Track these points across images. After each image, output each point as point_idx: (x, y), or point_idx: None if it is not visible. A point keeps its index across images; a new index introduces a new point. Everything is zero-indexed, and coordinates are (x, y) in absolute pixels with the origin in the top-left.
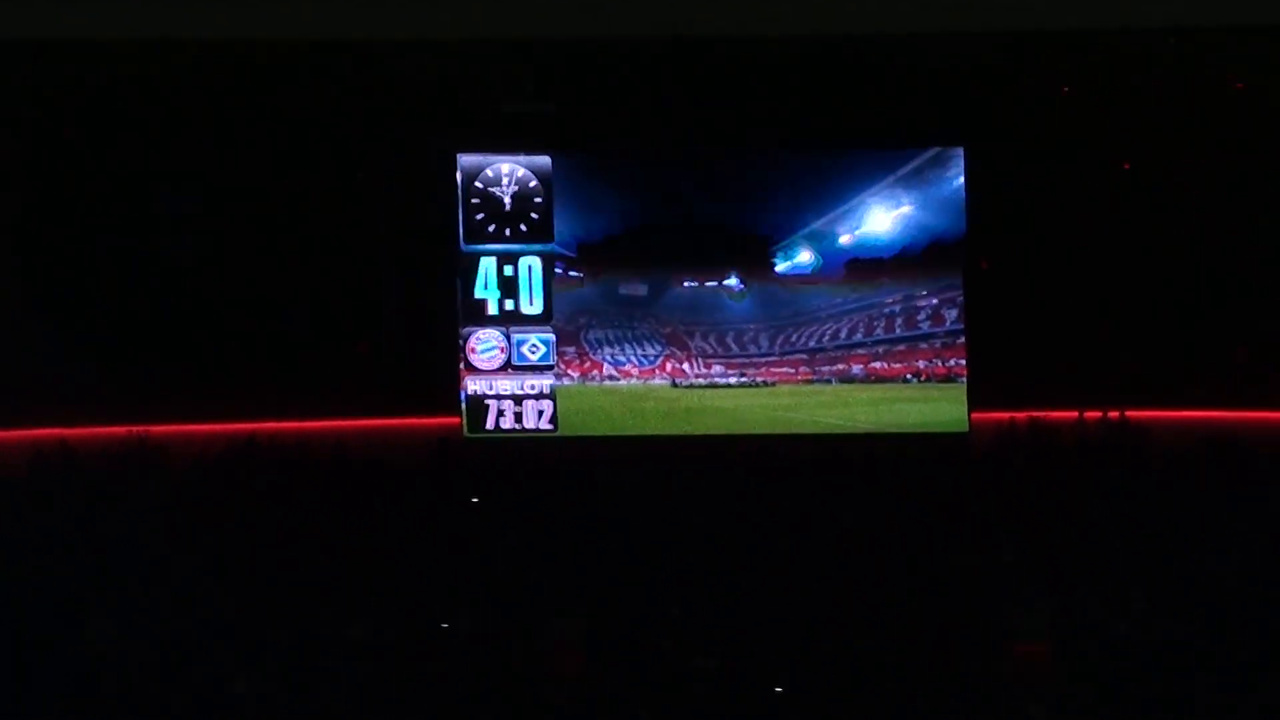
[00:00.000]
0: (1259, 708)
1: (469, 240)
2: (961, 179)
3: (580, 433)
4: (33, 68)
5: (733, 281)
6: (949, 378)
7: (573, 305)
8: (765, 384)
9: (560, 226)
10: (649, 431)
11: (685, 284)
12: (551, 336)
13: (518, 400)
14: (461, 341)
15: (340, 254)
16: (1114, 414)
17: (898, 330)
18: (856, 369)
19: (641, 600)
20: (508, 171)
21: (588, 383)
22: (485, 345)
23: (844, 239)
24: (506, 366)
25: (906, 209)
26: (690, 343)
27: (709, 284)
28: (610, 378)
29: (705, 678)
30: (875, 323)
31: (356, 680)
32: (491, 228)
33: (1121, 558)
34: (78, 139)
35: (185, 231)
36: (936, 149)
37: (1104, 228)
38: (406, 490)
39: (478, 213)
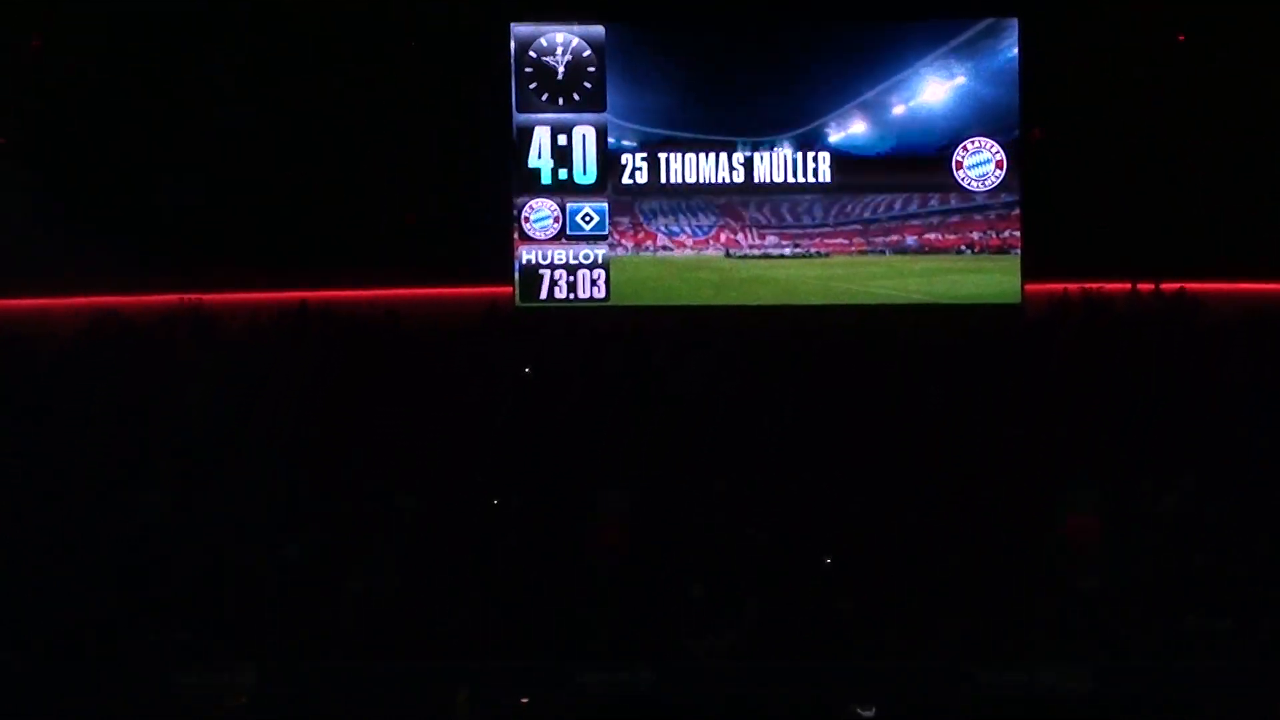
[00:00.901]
0: None
1: (522, 109)
2: (1015, 50)
3: (633, 302)
4: None
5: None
6: (1002, 249)
7: (627, 175)
8: (819, 255)
9: (613, 96)
10: (702, 302)
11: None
12: (605, 206)
13: (571, 270)
14: (516, 211)
15: (395, 123)
16: (1167, 286)
17: (952, 201)
18: (910, 240)
19: (691, 472)
20: (561, 41)
21: (641, 253)
22: (539, 215)
23: (897, 109)
24: (560, 236)
25: (961, 80)
26: (745, 213)
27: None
28: (664, 248)
29: (754, 549)
30: (929, 194)
31: (406, 549)
32: (545, 97)
33: (1172, 432)
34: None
35: (238, 101)
36: (990, 19)
37: (1158, 100)
38: (458, 359)
39: (531, 82)
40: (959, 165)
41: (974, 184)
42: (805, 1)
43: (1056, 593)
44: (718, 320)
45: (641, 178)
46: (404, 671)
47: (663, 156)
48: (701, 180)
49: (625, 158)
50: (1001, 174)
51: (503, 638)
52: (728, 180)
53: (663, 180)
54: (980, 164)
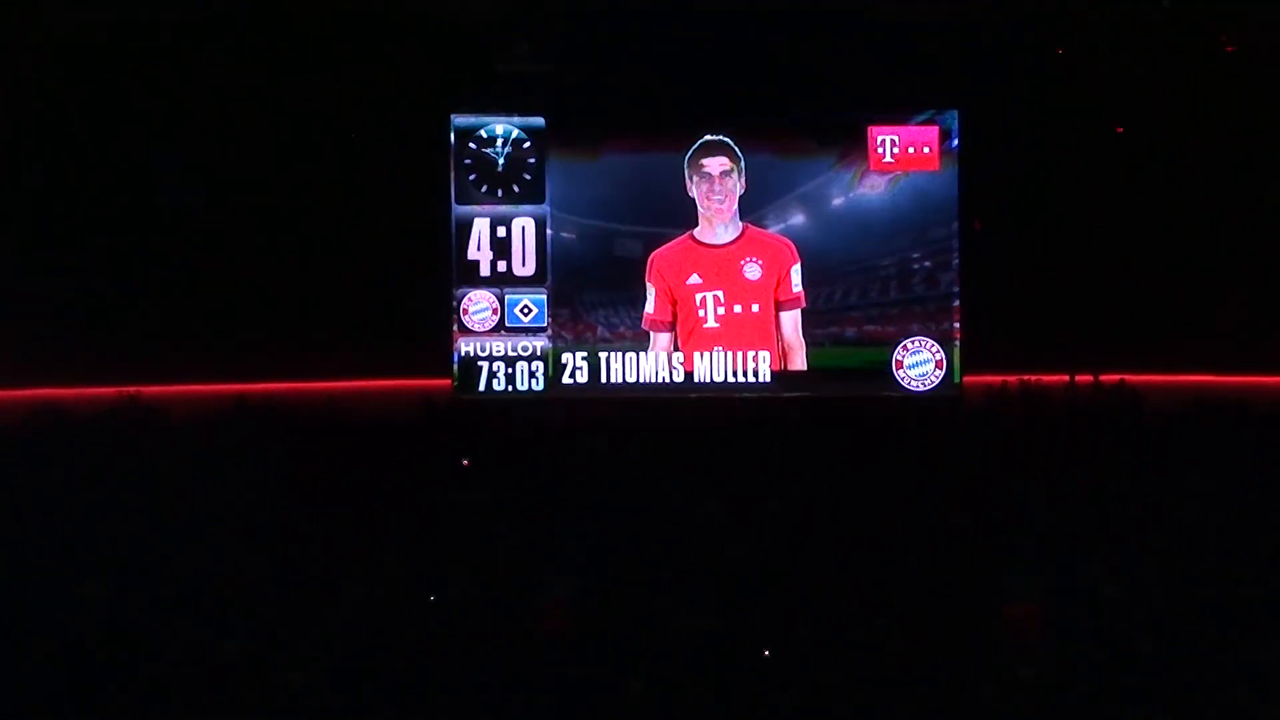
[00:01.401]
0: (1251, 671)
1: (461, 201)
2: (956, 142)
3: (572, 394)
4: (17, 21)
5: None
6: (942, 340)
7: (567, 266)
8: None
9: (553, 188)
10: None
11: None
12: (544, 298)
13: (509, 361)
14: (454, 303)
15: (333, 214)
16: (1106, 377)
17: (892, 293)
18: (849, 331)
19: (634, 561)
20: (501, 132)
21: (582, 344)
22: (478, 306)
23: (837, 201)
24: (499, 328)
25: (901, 172)
26: None
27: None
28: (604, 339)
29: (696, 640)
30: (869, 285)
31: (346, 642)
32: (484, 189)
33: (1113, 521)
34: (68, 97)
35: (176, 192)
36: (931, 112)
37: (1097, 191)
38: (397, 451)
39: (470, 173)
40: (899, 365)
41: (914, 384)
42: (745, 94)
43: (997, 681)
44: (660, 410)
45: (582, 377)
46: None
47: (603, 356)
48: (641, 380)
49: (565, 356)
50: (941, 374)
51: None
52: (667, 380)
53: (602, 380)
54: (920, 364)
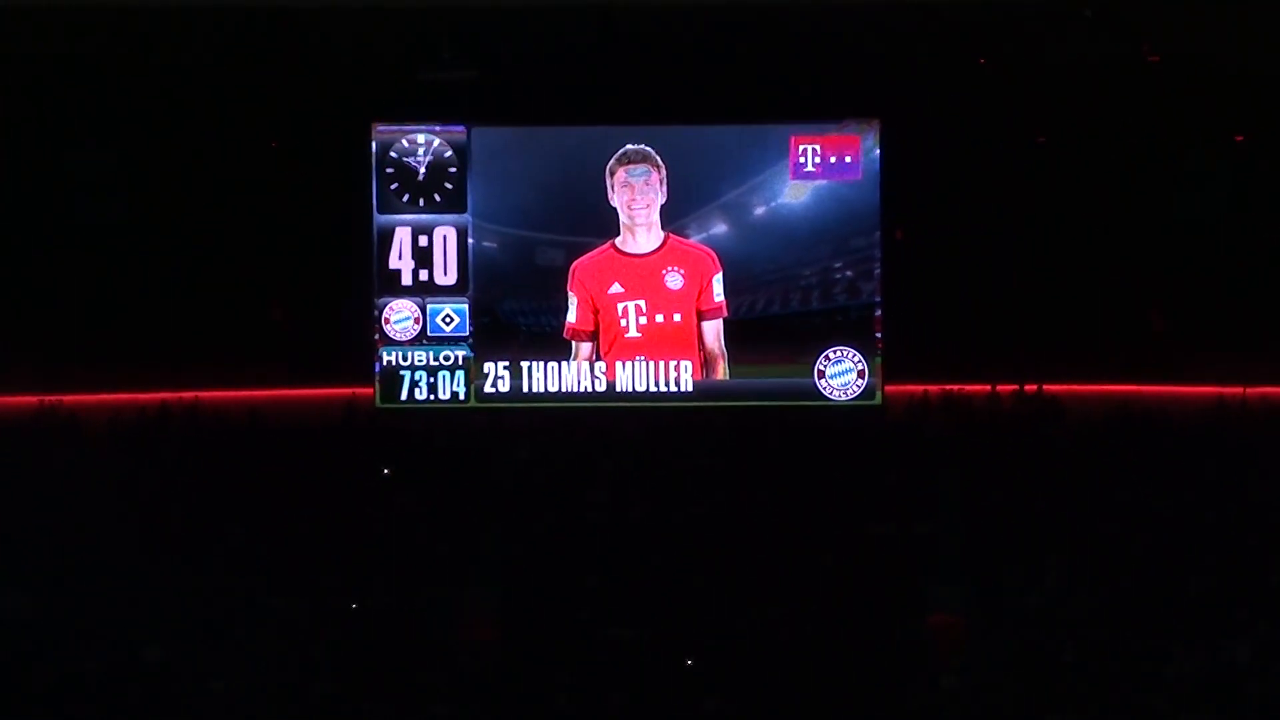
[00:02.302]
0: (1172, 680)
1: (383, 210)
2: (877, 151)
3: (494, 403)
4: None
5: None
6: (864, 350)
7: (488, 275)
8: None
9: (475, 197)
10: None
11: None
12: (466, 307)
13: (431, 370)
14: (376, 312)
15: (256, 223)
16: (1027, 387)
17: (814, 302)
18: (771, 340)
19: (558, 570)
20: (423, 142)
21: (504, 353)
22: (400, 316)
23: (759, 210)
24: (421, 337)
25: (823, 182)
26: None
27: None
28: (526, 349)
29: (619, 648)
30: (791, 294)
31: (268, 649)
32: (406, 198)
33: (1034, 529)
34: None
35: (97, 200)
36: (852, 121)
37: (1019, 201)
38: (318, 460)
39: (392, 183)
40: (821, 374)
41: (836, 392)
42: (668, 104)
43: (920, 691)
44: (584, 418)
45: (504, 386)
46: None
47: (524, 365)
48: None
49: (487, 366)
50: (863, 383)
51: None
52: (589, 389)
53: (524, 389)
54: (842, 373)
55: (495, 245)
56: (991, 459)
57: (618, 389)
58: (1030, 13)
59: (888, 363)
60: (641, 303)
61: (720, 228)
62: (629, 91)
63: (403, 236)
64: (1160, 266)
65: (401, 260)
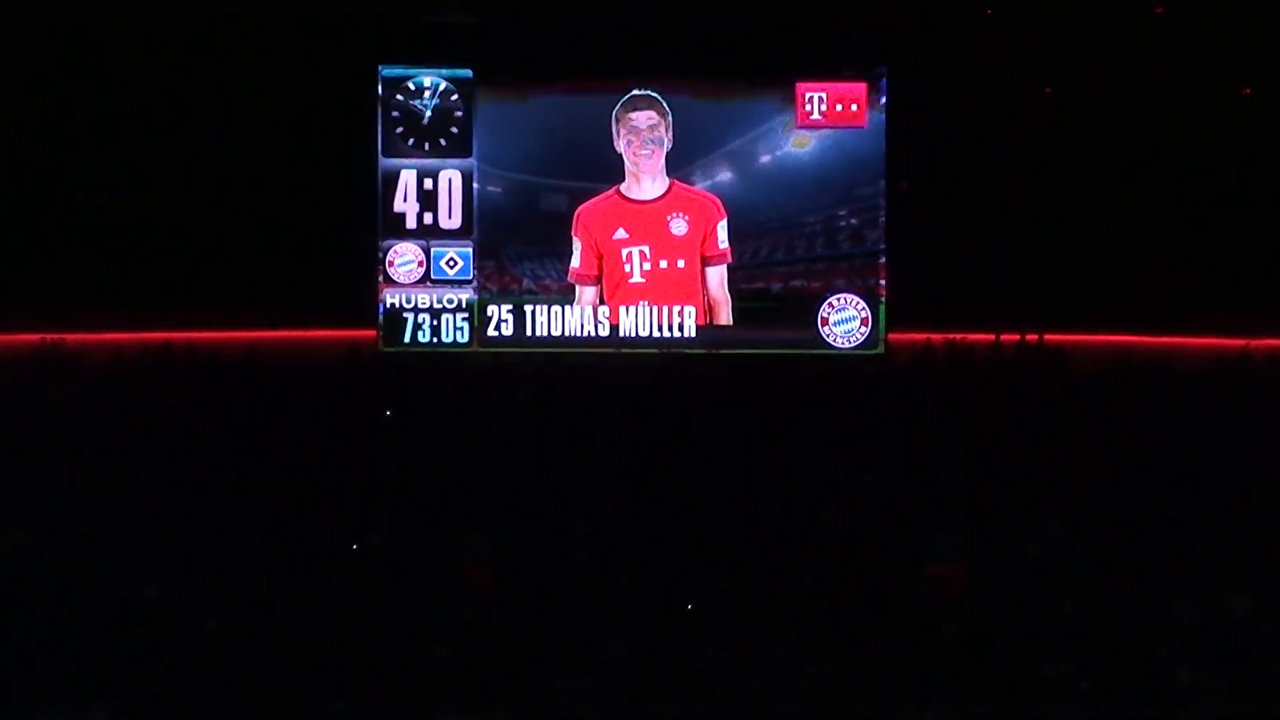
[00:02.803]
0: (1172, 631)
1: (388, 153)
2: (884, 100)
3: (497, 346)
4: None
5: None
6: (868, 298)
7: (493, 219)
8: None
9: (480, 141)
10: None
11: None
12: (470, 250)
13: (435, 314)
14: (380, 254)
15: (259, 164)
16: (1030, 337)
17: (818, 249)
18: (775, 287)
19: (558, 516)
20: (429, 85)
21: (507, 297)
22: (404, 259)
23: (764, 158)
24: (425, 280)
25: (828, 128)
26: None
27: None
28: (529, 292)
29: (618, 594)
30: (795, 241)
31: (270, 591)
32: (411, 141)
33: (1036, 480)
34: None
35: (102, 142)
36: (859, 69)
37: (1024, 151)
38: (320, 402)
39: (397, 126)
40: (824, 321)
41: (840, 340)
42: (673, 54)
43: (921, 639)
44: (585, 364)
45: (507, 330)
46: (262, 714)
47: (528, 309)
48: (567, 334)
49: (491, 309)
50: (867, 330)
51: (363, 679)
52: (592, 334)
53: (528, 333)
54: (845, 320)
55: (500, 190)
56: (994, 408)
57: (621, 334)
58: None
59: (891, 311)
60: (646, 248)
61: (725, 175)
62: (636, 36)
63: (408, 180)
64: (1164, 218)
65: (406, 203)
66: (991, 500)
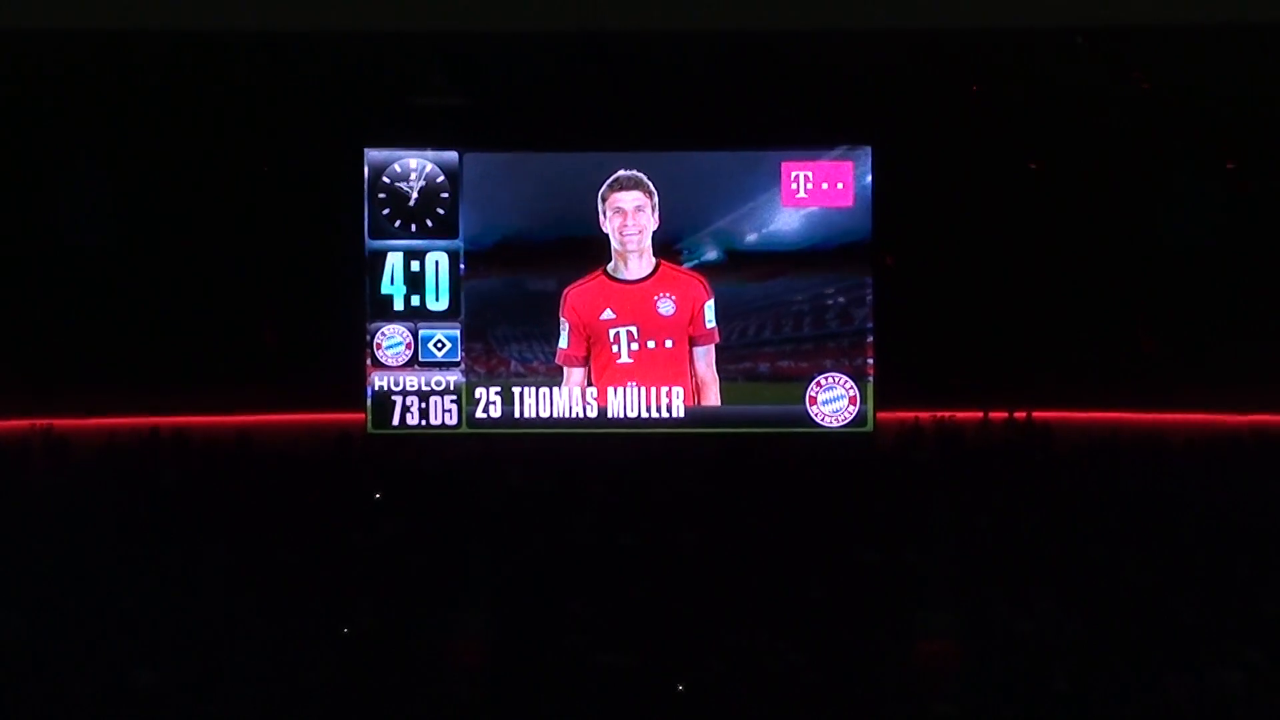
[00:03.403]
0: (1163, 709)
1: (375, 235)
2: (869, 178)
3: (486, 428)
4: None
5: None
6: (855, 376)
7: (480, 301)
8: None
9: (467, 222)
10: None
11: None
12: (458, 332)
13: (424, 396)
14: (368, 337)
15: (246, 248)
16: (1019, 414)
17: (805, 328)
18: (763, 367)
19: (548, 596)
20: (415, 167)
21: (495, 379)
22: (391, 341)
23: (751, 236)
24: (413, 362)
25: (814, 207)
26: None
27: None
28: (517, 374)
29: (609, 674)
30: (783, 320)
31: (261, 676)
32: (398, 223)
33: (1026, 557)
34: None
35: (88, 224)
36: (844, 148)
37: (1011, 228)
38: (311, 486)
39: (384, 208)
40: (813, 400)
41: (828, 419)
42: (659, 129)
43: (912, 717)
44: (575, 445)
45: (495, 412)
46: None
47: (516, 390)
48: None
49: (479, 391)
50: (855, 409)
51: None
52: (580, 415)
53: (516, 415)
54: (834, 399)
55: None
56: (983, 486)
57: (609, 415)
58: (1022, 40)
59: (880, 389)
60: (634, 329)
61: (712, 254)
62: (621, 117)
63: (395, 261)
64: (1152, 293)
65: (393, 285)
66: (982, 577)
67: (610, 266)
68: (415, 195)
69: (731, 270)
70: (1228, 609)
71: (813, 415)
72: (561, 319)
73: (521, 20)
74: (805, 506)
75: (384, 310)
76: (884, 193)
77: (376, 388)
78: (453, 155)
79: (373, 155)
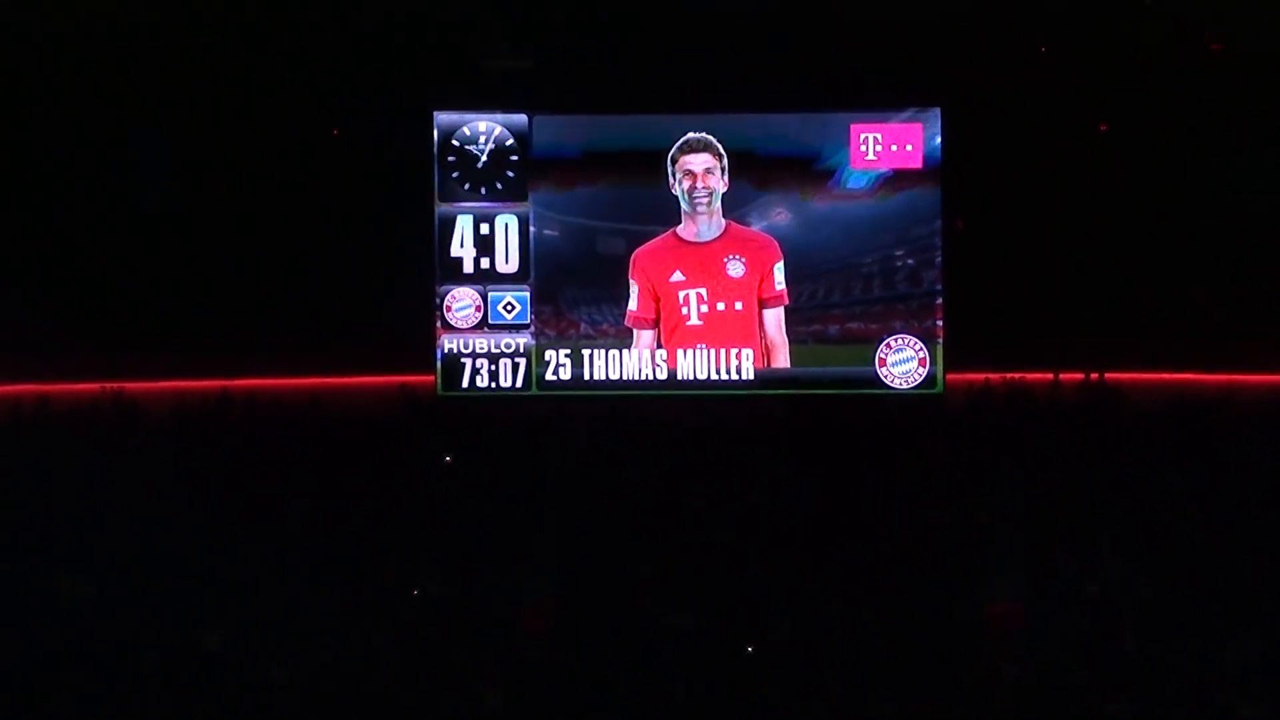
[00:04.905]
0: (1230, 669)
1: (444, 199)
2: (938, 140)
3: (555, 391)
4: None
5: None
6: (925, 338)
7: (550, 263)
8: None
9: (535, 185)
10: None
11: None
12: (528, 295)
13: (493, 359)
14: (438, 300)
15: (317, 211)
16: (1090, 376)
17: (875, 290)
18: (833, 329)
19: (617, 559)
20: (484, 130)
21: (565, 341)
22: (461, 304)
23: (820, 199)
24: (482, 325)
25: (884, 168)
26: None
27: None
28: (587, 336)
29: (677, 637)
30: (852, 283)
31: (330, 638)
32: (467, 186)
33: (1095, 520)
34: (44, 94)
35: (160, 189)
36: (913, 109)
37: (1080, 189)
38: (380, 448)
39: (453, 171)
40: (882, 363)
41: (898, 381)
42: (727, 91)
43: (980, 680)
44: (643, 407)
45: (565, 374)
46: None
47: (585, 353)
48: (625, 378)
49: (549, 354)
50: (925, 371)
51: None
52: (650, 378)
53: (585, 378)
54: (903, 361)
55: (556, 234)
56: (1052, 448)
57: (679, 377)
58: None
59: (949, 351)
60: (703, 290)
61: (781, 216)
62: (691, 79)
63: (464, 224)
64: (1223, 256)
65: (463, 248)
66: (1050, 540)
67: (680, 228)
68: (484, 158)
69: (801, 232)
70: None
71: (882, 377)
72: (631, 281)
73: None
74: (875, 469)
75: (453, 273)
76: (953, 155)
77: (446, 350)
78: (522, 118)
79: (442, 118)
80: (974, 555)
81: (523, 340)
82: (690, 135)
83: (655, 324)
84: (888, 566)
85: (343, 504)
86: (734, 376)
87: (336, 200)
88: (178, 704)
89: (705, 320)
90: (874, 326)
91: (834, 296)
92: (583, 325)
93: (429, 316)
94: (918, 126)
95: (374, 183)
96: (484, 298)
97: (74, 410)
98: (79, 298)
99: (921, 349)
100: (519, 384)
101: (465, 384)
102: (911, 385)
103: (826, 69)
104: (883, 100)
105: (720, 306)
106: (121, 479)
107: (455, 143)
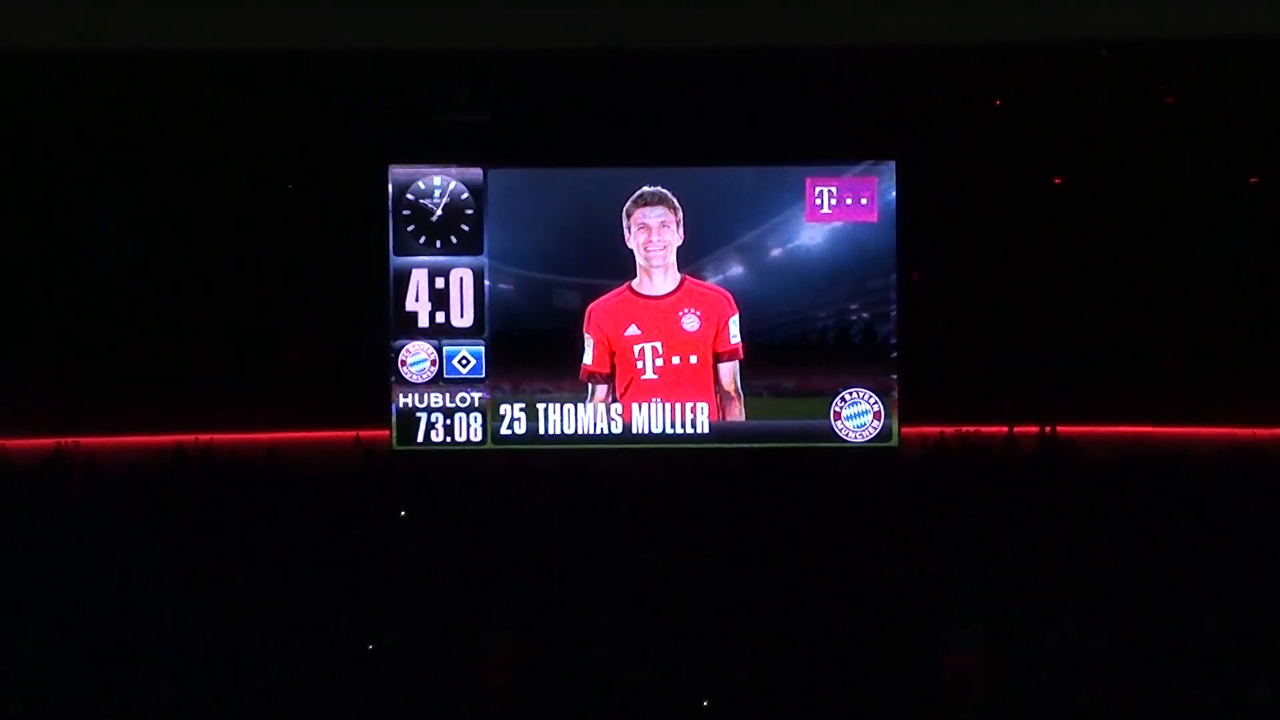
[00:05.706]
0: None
1: (399, 252)
2: (893, 193)
3: (510, 444)
4: None
5: None
6: (880, 392)
7: (505, 317)
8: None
9: (491, 239)
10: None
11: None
12: (482, 349)
13: (448, 413)
14: (393, 354)
15: (271, 265)
16: (1045, 429)
17: (830, 343)
18: (788, 383)
19: (574, 612)
20: (439, 183)
21: (520, 395)
22: (416, 358)
23: (775, 252)
24: (438, 379)
25: (839, 223)
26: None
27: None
28: (542, 390)
29: (635, 689)
30: (808, 336)
31: (287, 692)
32: (422, 239)
33: (1052, 572)
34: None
35: (114, 242)
36: (868, 163)
37: (1035, 243)
38: (336, 502)
39: (409, 224)
40: (837, 416)
41: (852, 434)
42: (683, 145)
43: None
44: (600, 461)
45: (520, 428)
46: None
47: (541, 407)
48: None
49: (504, 408)
50: (880, 425)
51: None
52: (605, 431)
53: (541, 431)
54: (859, 415)
55: (511, 287)
56: (1008, 501)
57: (634, 430)
58: (1046, 54)
59: (904, 404)
60: (658, 344)
61: (737, 269)
62: (646, 133)
63: (419, 278)
64: (1177, 308)
65: (418, 302)
66: (1006, 592)
67: (635, 282)
68: (440, 212)
69: (757, 286)
70: (1254, 623)
71: (837, 430)
72: (586, 335)
73: (545, 37)
74: (830, 522)
75: (409, 327)
76: (908, 208)
77: (401, 405)
78: (477, 172)
79: (397, 172)
80: (931, 607)
81: (478, 394)
82: (645, 189)
83: (610, 378)
84: (845, 619)
85: (299, 558)
86: (689, 430)
87: (292, 254)
88: None
89: (660, 374)
90: (829, 380)
91: (789, 350)
92: (538, 379)
93: (385, 371)
94: (873, 180)
95: (329, 236)
96: (439, 352)
97: (30, 464)
98: (34, 351)
99: (876, 402)
100: (475, 438)
101: (420, 438)
102: (866, 439)
103: (782, 123)
104: (838, 153)
105: (675, 360)
106: (77, 533)
107: (410, 196)
